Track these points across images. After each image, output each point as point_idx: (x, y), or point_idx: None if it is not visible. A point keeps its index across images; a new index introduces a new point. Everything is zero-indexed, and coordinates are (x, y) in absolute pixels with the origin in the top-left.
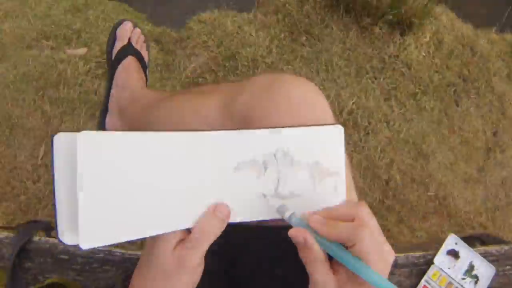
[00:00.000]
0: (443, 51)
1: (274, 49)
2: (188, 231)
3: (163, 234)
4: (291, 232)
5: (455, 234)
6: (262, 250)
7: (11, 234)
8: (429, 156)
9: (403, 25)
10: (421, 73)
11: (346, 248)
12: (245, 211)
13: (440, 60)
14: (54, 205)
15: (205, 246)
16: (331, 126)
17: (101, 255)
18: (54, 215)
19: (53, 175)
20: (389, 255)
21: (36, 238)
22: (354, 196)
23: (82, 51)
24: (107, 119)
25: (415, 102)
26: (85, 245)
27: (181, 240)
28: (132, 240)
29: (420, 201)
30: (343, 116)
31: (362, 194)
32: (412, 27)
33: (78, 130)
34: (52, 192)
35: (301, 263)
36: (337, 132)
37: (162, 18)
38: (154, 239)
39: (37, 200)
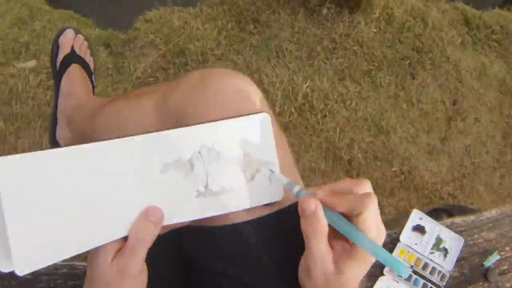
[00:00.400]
0: (394, 26)
1: (223, 41)
2: (125, 239)
3: (101, 246)
4: (302, 200)
5: (419, 209)
6: (214, 250)
7: None
8: (389, 132)
9: (351, 3)
10: (374, 49)
11: (349, 220)
12: (180, 212)
13: (391, 35)
14: None
15: (142, 252)
16: (256, 115)
17: (64, 270)
18: None
19: None
20: (383, 233)
21: None
22: (297, 175)
23: (31, 63)
24: (57, 130)
25: (370, 80)
26: (22, 271)
27: (119, 250)
28: (72, 257)
29: (385, 178)
30: (298, 100)
31: (325, 176)
32: (360, 4)
33: (37, 143)
34: None
35: (253, 261)
36: (264, 120)
37: (108, 21)
38: (94, 252)
39: None
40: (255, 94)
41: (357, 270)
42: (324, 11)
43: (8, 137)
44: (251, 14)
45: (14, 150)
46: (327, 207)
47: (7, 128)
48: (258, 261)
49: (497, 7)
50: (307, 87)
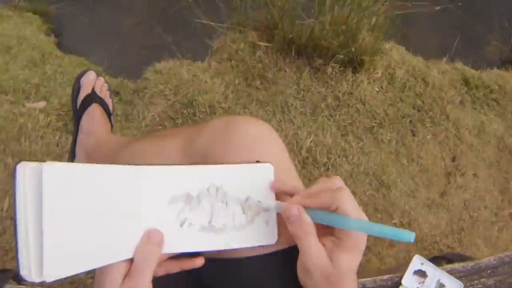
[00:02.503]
0: (395, 85)
1: (230, 95)
2: (129, 265)
3: (109, 272)
4: (284, 207)
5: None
6: (234, 282)
7: None
8: (390, 185)
9: (355, 63)
10: (376, 107)
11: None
12: (182, 242)
13: (393, 94)
14: (16, 240)
15: (149, 273)
16: (261, 164)
17: None
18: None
19: (15, 207)
20: (364, 215)
21: (8, 286)
22: (300, 184)
23: (41, 104)
24: None
25: (372, 136)
26: (49, 278)
27: (126, 274)
28: (86, 271)
29: None
30: (302, 154)
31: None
32: (364, 64)
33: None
34: (14, 225)
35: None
36: (267, 170)
37: (118, 70)
38: (102, 277)
39: (3, 252)
40: (278, 142)
41: (351, 258)
42: (329, 70)
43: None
44: (257, 71)
45: None
46: (307, 208)
47: (14, 164)
48: None
49: (495, 68)
50: (311, 141)
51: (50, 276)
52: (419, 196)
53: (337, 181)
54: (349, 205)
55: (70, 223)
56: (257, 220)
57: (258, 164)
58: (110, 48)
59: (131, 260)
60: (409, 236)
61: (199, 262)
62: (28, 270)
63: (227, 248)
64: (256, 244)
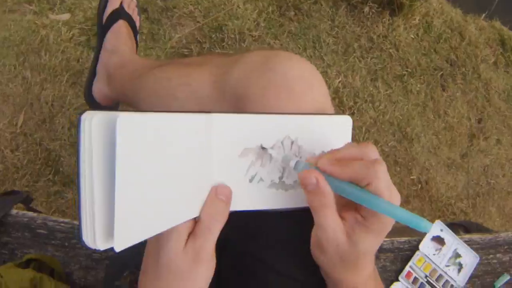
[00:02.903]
0: (431, 35)
1: (262, 23)
2: (194, 224)
3: (172, 230)
4: (301, 174)
5: (432, 221)
6: (254, 235)
7: None
8: (413, 139)
9: (393, 6)
10: (409, 55)
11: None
12: (248, 199)
13: (428, 43)
14: (79, 204)
15: (215, 234)
16: (340, 116)
17: None
18: (78, 211)
19: (79, 165)
20: (397, 198)
21: (14, 212)
22: None
23: (65, 16)
24: (94, 84)
25: (401, 84)
26: (119, 247)
27: (190, 234)
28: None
29: (402, 184)
30: (330, 94)
31: None
32: (402, 8)
33: (61, 97)
34: (77, 185)
35: (291, 251)
36: (346, 123)
37: None
38: (159, 238)
39: (15, 170)
40: (320, 84)
41: (372, 242)
42: (366, 9)
43: (33, 87)
44: (292, 1)
45: (37, 101)
46: (331, 176)
47: (33, 78)
48: (296, 252)
49: None
50: (339, 82)
51: (120, 245)
52: (440, 154)
53: (372, 151)
54: (384, 183)
55: (143, 183)
56: None
57: (336, 116)
58: None
59: (195, 221)
60: (425, 226)
61: None
62: (92, 238)
63: (296, 206)
64: None
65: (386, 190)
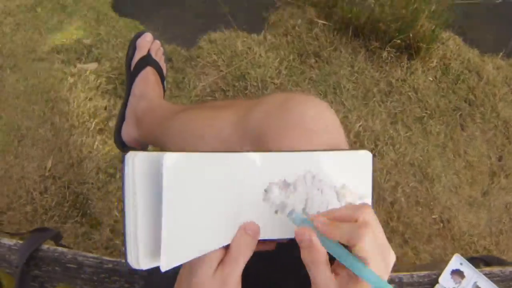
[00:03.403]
0: (449, 76)
1: (283, 71)
2: (224, 253)
3: (202, 260)
4: (297, 231)
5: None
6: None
7: (19, 241)
8: (434, 179)
9: (411, 50)
10: (428, 97)
11: (348, 249)
12: (276, 230)
13: (446, 85)
14: (124, 231)
15: (242, 263)
16: (360, 151)
17: (110, 265)
18: (123, 241)
19: (124, 197)
20: (390, 258)
21: (44, 247)
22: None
23: (93, 65)
24: (124, 128)
25: (421, 126)
26: (165, 267)
27: (220, 262)
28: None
29: (424, 224)
30: (350, 138)
31: None
32: (420, 52)
33: (88, 143)
34: (122, 216)
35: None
36: (366, 157)
37: (172, 36)
38: (192, 263)
39: (43, 211)
40: (334, 123)
41: None
42: (384, 54)
43: (62, 132)
44: (313, 49)
45: (65, 146)
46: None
47: (61, 124)
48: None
49: None
50: (359, 126)
51: (166, 265)
52: (461, 193)
53: (366, 214)
54: (369, 246)
55: (185, 213)
56: None
57: (357, 151)
58: (166, 14)
59: (225, 249)
60: None
61: (271, 245)
62: (136, 259)
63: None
64: None
65: (375, 255)
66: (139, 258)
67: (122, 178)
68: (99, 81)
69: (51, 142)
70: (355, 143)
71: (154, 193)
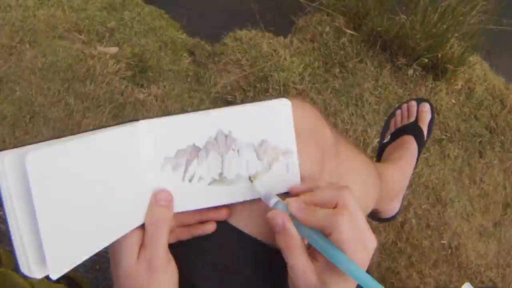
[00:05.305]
0: (473, 101)
1: (307, 77)
2: (141, 233)
3: (123, 245)
4: (270, 215)
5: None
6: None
7: None
8: (447, 203)
9: (437, 70)
10: (449, 120)
11: (326, 236)
12: (193, 199)
13: (469, 109)
14: (10, 237)
15: (162, 240)
16: (276, 101)
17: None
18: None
19: (2, 204)
20: (370, 243)
21: None
22: (346, 150)
23: (113, 50)
24: None
25: (439, 148)
26: (56, 275)
27: (141, 245)
28: (94, 254)
29: (432, 248)
30: (368, 152)
31: (376, 232)
32: (446, 73)
33: (101, 127)
34: (5, 223)
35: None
36: (284, 107)
37: (197, 29)
38: (115, 252)
39: None
40: (322, 125)
41: (344, 285)
42: (410, 71)
43: (75, 114)
44: (339, 58)
45: (77, 128)
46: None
47: (76, 105)
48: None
49: None
50: (378, 141)
51: (56, 272)
52: (473, 221)
53: (345, 197)
54: (345, 234)
55: (68, 209)
56: (276, 165)
57: (272, 101)
58: (193, 5)
59: (142, 229)
60: None
61: (210, 227)
62: (28, 268)
63: (244, 199)
64: (276, 192)
65: (350, 242)
66: (30, 267)
67: None
68: (118, 66)
69: (63, 123)
70: (372, 158)
71: (29, 195)
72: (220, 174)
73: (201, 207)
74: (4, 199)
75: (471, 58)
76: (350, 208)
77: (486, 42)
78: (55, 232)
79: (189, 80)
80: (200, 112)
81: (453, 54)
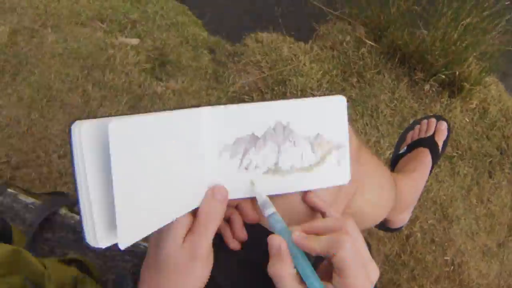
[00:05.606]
0: (486, 121)
1: (325, 84)
2: (191, 219)
3: (168, 230)
4: (269, 238)
5: None
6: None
7: (37, 202)
8: (453, 220)
9: (454, 87)
10: (462, 137)
11: (329, 260)
12: (246, 187)
13: (482, 129)
14: (78, 206)
15: (212, 231)
16: (333, 97)
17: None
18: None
19: (74, 172)
20: (372, 272)
21: (62, 212)
22: (366, 154)
23: (134, 41)
24: None
25: (450, 165)
26: (124, 244)
27: (189, 231)
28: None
29: (435, 263)
30: None
31: (381, 243)
32: (462, 91)
33: (117, 116)
34: (75, 191)
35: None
36: (340, 103)
37: (219, 28)
38: (160, 233)
39: (58, 175)
40: (349, 133)
41: None
42: (427, 86)
43: (92, 101)
44: (357, 68)
45: (93, 115)
46: (298, 248)
47: (93, 93)
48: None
49: None
50: (390, 153)
51: (125, 241)
52: (477, 240)
53: (347, 225)
54: (350, 256)
55: (142, 180)
56: (328, 159)
57: (328, 97)
58: (216, 4)
59: (193, 215)
60: None
61: (234, 245)
62: (94, 237)
63: (295, 190)
64: (326, 186)
65: (352, 265)
66: (96, 236)
67: (70, 151)
68: (138, 58)
69: (79, 109)
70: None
71: (105, 164)
72: (276, 164)
73: (253, 195)
74: (76, 167)
75: (487, 79)
76: (354, 235)
77: (503, 63)
78: (128, 201)
79: (207, 77)
80: (259, 103)
81: (470, 73)
